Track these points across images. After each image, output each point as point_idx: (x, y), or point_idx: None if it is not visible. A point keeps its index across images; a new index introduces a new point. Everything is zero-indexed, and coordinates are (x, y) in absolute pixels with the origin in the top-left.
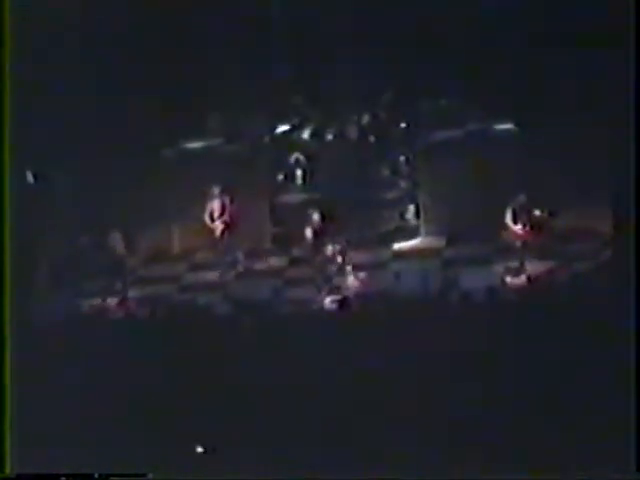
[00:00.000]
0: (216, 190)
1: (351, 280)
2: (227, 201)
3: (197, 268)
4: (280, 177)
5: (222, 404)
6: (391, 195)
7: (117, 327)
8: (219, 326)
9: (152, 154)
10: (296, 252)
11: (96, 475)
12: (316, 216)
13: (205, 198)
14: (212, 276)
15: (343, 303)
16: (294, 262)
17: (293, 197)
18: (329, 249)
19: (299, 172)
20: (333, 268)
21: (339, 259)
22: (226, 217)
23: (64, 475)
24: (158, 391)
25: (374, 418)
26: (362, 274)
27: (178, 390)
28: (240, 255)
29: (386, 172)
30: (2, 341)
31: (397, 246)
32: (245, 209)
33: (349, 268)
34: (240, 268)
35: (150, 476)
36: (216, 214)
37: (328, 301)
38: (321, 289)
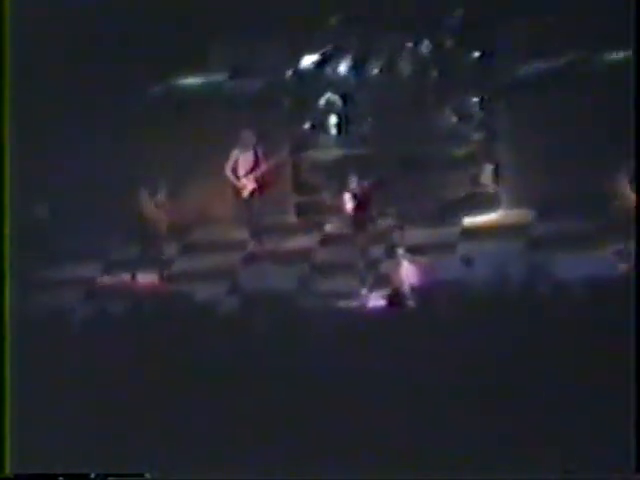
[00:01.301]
0: (248, 138)
1: (405, 267)
2: (260, 153)
3: (196, 248)
4: (306, 126)
5: (225, 415)
6: (460, 151)
7: (117, 327)
8: (222, 328)
9: (137, 92)
10: (329, 228)
11: (93, 475)
12: (356, 180)
13: (221, 146)
14: (218, 260)
15: (394, 299)
16: (326, 242)
17: (324, 153)
18: (374, 225)
19: (333, 119)
20: (380, 251)
21: (389, 239)
22: (259, 173)
23: (61, 475)
24: (158, 391)
25: (439, 450)
26: (420, 259)
27: (179, 390)
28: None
29: (453, 119)
30: (2, 341)
31: (468, 221)
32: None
33: (402, 251)
34: (252, 248)
35: (148, 476)
36: (242, 169)
37: (373, 296)
38: (364, 279)
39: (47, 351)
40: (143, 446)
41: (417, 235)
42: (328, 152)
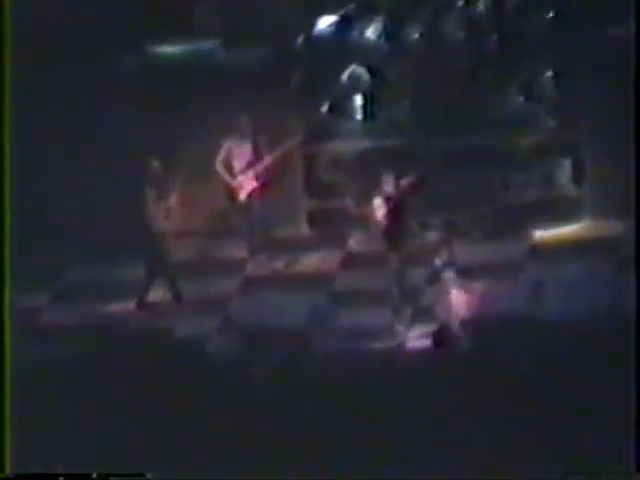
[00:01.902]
0: (246, 123)
1: (455, 296)
2: (262, 144)
3: (175, 270)
4: (323, 109)
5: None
6: (528, 142)
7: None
8: (210, 376)
9: (109, 62)
10: (353, 244)
11: (94, 475)
12: (389, 179)
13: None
14: (204, 286)
15: (441, 337)
16: (349, 262)
17: (347, 145)
18: (414, 239)
19: (358, 100)
20: (422, 274)
21: (433, 258)
22: (260, 169)
23: (62, 475)
24: (158, 391)
25: None
26: (475, 285)
27: (179, 392)
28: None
29: (518, 99)
30: (2, 341)
31: (540, 234)
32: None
33: (451, 274)
34: (250, 270)
35: (149, 476)
36: (238, 164)
37: (413, 334)
38: (400, 312)
39: (47, 351)
40: (144, 446)
41: (470, 253)
42: (352, 143)
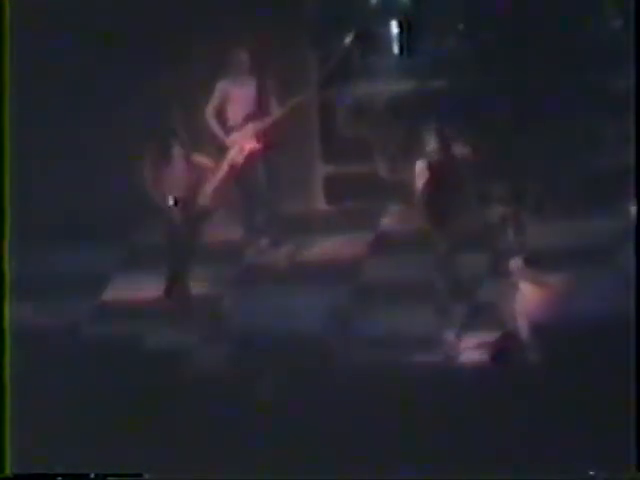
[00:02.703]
0: (246, 60)
1: (525, 293)
2: (269, 88)
3: (148, 256)
4: (347, 40)
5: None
6: (628, 80)
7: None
8: (202, 391)
9: None
10: (386, 223)
11: (92, 475)
12: (436, 134)
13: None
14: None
15: (503, 349)
16: (380, 247)
17: (377, 88)
18: (469, 216)
19: (393, 27)
20: (480, 263)
21: (496, 241)
22: (265, 123)
23: (61, 475)
24: (157, 390)
25: None
26: (552, 278)
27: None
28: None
29: (613, 23)
30: (2, 340)
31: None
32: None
33: (519, 263)
34: (251, 258)
35: (147, 476)
36: (234, 114)
37: (467, 343)
38: (449, 313)
39: (47, 351)
40: (142, 446)
41: (546, 235)
42: (384, 85)
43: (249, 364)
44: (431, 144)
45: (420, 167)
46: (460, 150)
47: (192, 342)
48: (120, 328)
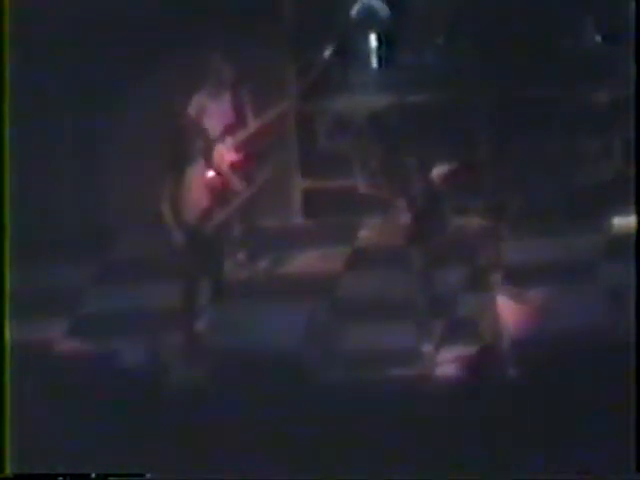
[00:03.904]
0: (224, 72)
1: (503, 306)
2: (246, 100)
3: (121, 271)
4: (326, 53)
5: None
6: (606, 94)
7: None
8: (176, 411)
9: None
10: (364, 237)
11: (93, 475)
12: (412, 148)
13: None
14: (161, 294)
15: (482, 362)
16: (358, 261)
17: (355, 101)
18: (446, 229)
19: (371, 40)
20: (458, 277)
21: (474, 255)
22: (243, 136)
23: (61, 475)
24: (158, 390)
25: None
26: (529, 292)
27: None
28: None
29: (593, 38)
30: (2, 339)
31: (621, 222)
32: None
33: (498, 277)
34: (227, 272)
35: (148, 476)
36: (212, 127)
37: (445, 356)
38: (427, 328)
39: (47, 351)
40: (144, 446)
41: (524, 249)
42: (363, 99)
43: (227, 380)
44: (410, 159)
45: (397, 181)
46: (439, 164)
47: (168, 357)
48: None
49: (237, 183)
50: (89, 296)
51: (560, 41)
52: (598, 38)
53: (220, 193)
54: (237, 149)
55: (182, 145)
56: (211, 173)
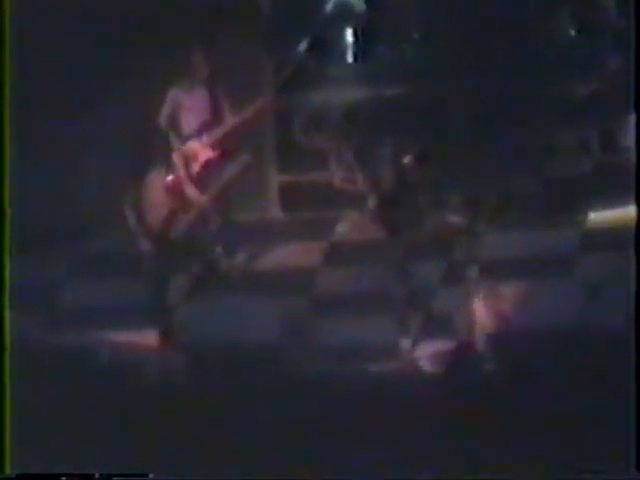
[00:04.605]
0: (200, 65)
1: (479, 302)
2: (223, 96)
3: (98, 267)
4: (301, 47)
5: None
6: (582, 88)
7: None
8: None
9: None
10: (341, 232)
11: (97, 475)
12: (390, 142)
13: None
14: (140, 290)
15: (458, 357)
16: (336, 256)
17: (332, 96)
18: (423, 224)
19: (347, 35)
20: (435, 272)
21: (450, 249)
22: (220, 132)
23: (65, 475)
24: (160, 390)
25: None
26: (506, 287)
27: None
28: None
29: (568, 30)
30: (2, 339)
31: (597, 217)
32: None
33: (474, 272)
34: (201, 268)
35: (151, 476)
36: (187, 123)
37: (422, 352)
38: (405, 323)
39: (47, 350)
40: (147, 446)
41: (501, 243)
42: (339, 93)
43: (204, 375)
44: (385, 153)
45: (373, 175)
46: (415, 158)
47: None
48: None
49: (195, 193)
50: (65, 291)
51: (539, 33)
52: (578, 29)
53: (183, 197)
54: (213, 145)
55: (145, 149)
56: (172, 177)
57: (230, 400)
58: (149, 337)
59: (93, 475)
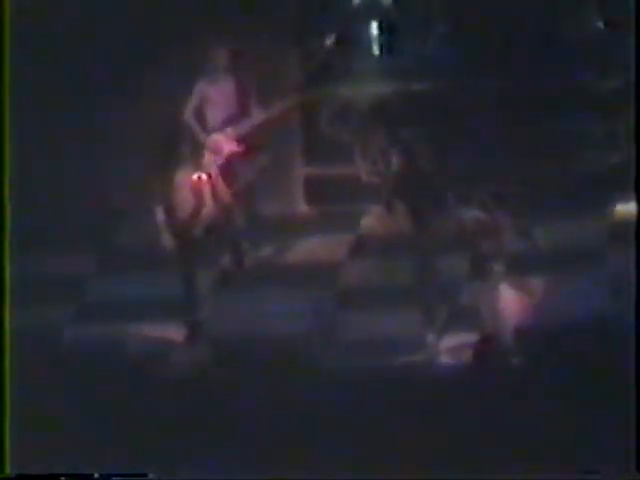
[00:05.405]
0: (226, 59)
1: (506, 295)
2: (247, 92)
3: (123, 259)
4: (328, 41)
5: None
6: (610, 78)
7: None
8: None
9: None
10: (367, 225)
11: (96, 475)
12: (416, 136)
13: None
14: (163, 283)
15: (485, 350)
16: (360, 249)
17: (358, 89)
18: (449, 217)
19: (373, 28)
20: (461, 266)
21: (476, 243)
22: (246, 126)
23: (64, 475)
24: (159, 390)
25: None
26: (533, 281)
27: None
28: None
29: (594, 22)
30: (2, 339)
31: (625, 210)
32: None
33: (501, 266)
34: (227, 263)
35: (151, 476)
36: (213, 116)
37: (447, 345)
38: (430, 317)
39: (48, 349)
40: (146, 446)
41: (527, 237)
42: (365, 87)
43: (230, 368)
44: (411, 146)
45: (399, 168)
46: (441, 152)
47: (171, 347)
48: (105, 330)
49: (221, 187)
50: (91, 284)
51: (563, 27)
52: (601, 23)
53: (209, 191)
54: (239, 139)
55: (172, 143)
56: (200, 174)
57: (254, 392)
58: (176, 331)
59: (93, 475)
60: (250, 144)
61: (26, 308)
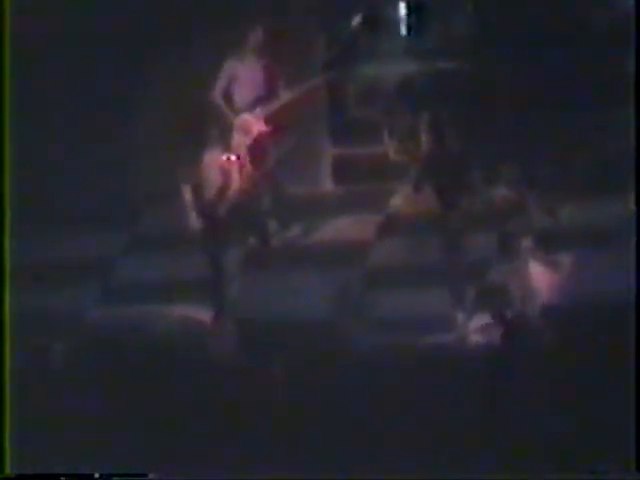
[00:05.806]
0: (256, 39)
1: (536, 273)
2: (275, 72)
3: (152, 241)
4: (355, 21)
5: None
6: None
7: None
8: (205, 377)
9: None
10: (395, 204)
11: (97, 475)
12: (444, 115)
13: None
14: (193, 263)
15: (515, 329)
16: (389, 229)
17: (385, 69)
18: (478, 196)
19: (401, 8)
20: (490, 244)
21: (506, 221)
22: (275, 106)
23: (64, 475)
24: (160, 390)
25: None
26: (562, 258)
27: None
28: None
29: None
30: (2, 338)
31: None
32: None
33: (530, 243)
34: (254, 242)
35: (151, 476)
36: (241, 96)
37: (477, 324)
38: (460, 296)
39: (48, 349)
40: (146, 446)
41: (560, 214)
42: (393, 66)
43: (259, 350)
44: (439, 125)
45: (427, 147)
46: (469, 131)
47: (201, 329)
48: (124, 315)
49: (248, 167)
50: (119, 266)
51: (594, 11)
52: (628, 4)
53: (237, 171)
54: (267, 119)
55: (200, 123)
56: (229, 154)
57: (283, 373)
58: (204, 312)
59: (93, 475)
60: (278, 124)
61: (53, 292)
